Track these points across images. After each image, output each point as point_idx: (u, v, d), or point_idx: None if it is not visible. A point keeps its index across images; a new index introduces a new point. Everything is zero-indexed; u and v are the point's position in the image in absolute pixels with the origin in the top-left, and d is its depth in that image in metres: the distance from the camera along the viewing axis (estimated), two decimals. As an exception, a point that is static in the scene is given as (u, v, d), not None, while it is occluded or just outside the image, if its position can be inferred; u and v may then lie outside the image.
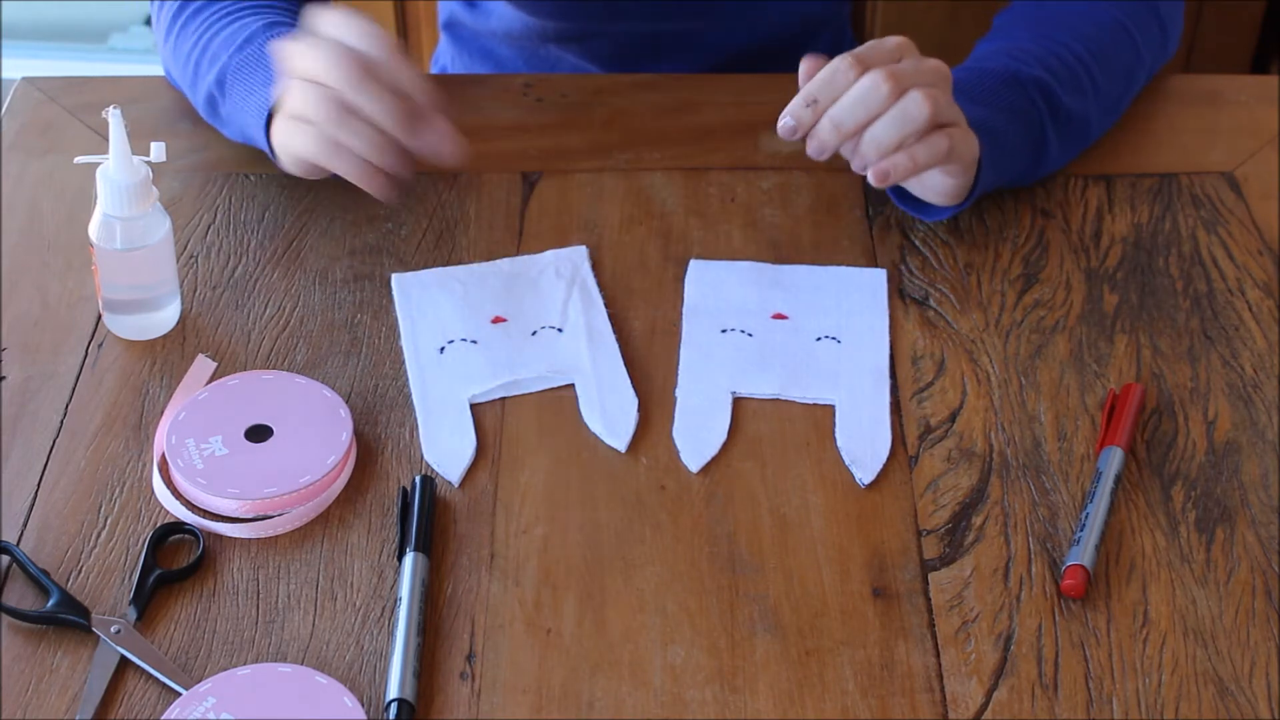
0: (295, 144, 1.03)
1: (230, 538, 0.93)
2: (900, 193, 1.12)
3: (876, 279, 1.10)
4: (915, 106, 0.99)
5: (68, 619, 0.88)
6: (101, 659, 0.86)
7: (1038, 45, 1.15)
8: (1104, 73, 1.16)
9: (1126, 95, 1.21)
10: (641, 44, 1.34)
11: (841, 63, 1.00)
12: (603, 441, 0.99)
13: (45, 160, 1.18)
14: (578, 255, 1.11)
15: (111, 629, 0.87)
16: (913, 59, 1.02)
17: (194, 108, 1.19)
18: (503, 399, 1.02)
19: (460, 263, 1.11)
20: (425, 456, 0.98)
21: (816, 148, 1.02)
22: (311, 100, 1.00)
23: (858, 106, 1.00)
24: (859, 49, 1.02)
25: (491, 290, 1.08)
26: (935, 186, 1.07)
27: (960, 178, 1.06)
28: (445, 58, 1.46)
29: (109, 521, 0.94)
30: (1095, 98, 1.16)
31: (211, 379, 1.02)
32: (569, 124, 1.23)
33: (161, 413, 1.00)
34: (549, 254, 1.11)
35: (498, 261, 1.10)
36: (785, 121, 1.01)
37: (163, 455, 0.96)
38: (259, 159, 1.18)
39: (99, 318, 1.06)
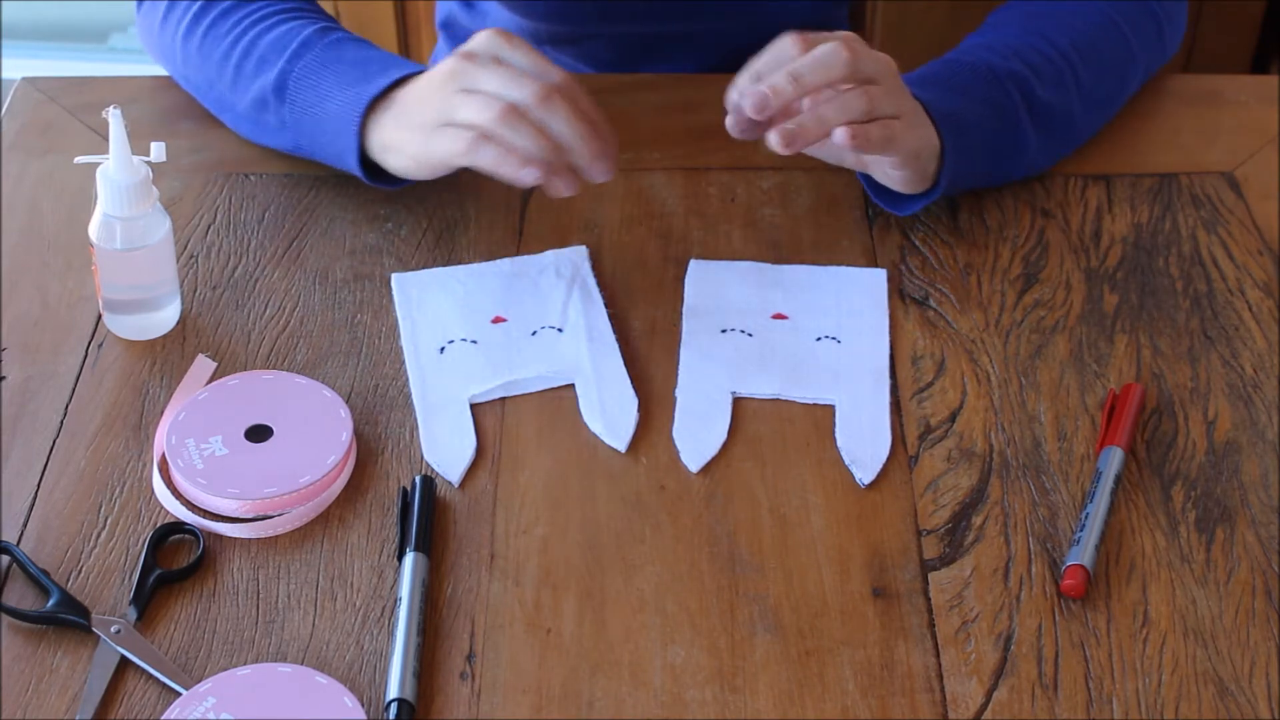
0: (440, 148, 1.03)
1: (230, 538, 0.93)
2: (873, 186, 1.12)
3: (876, 279, 1.10)
4: (854, 99, 1.01)
5: (68, 619, 0.88)
6: (101, 659, 0.86)
7: (1020, 39, 1.15)
8: (1090, 68, 1.16)
9: (1118, 93, 1.21)
10: (636, 46, 1.34)
11: (787, 38, 1.02)
12: (603, 441, 0.99)
13: (45, 160, 1.18)
14: (578, 255, 1.11)
15: (111, 629, 0.87)
16: (861, 49, 1.03)
17: (206, 108, 1.19)
18: (503, 399, 1.02)
19: (460, 263, 1.11)
20: (425, 456, 0.98)
21: (759, 101, 1.00)
22: (488, 109, 1.01)
23: (818, 67, 1.00)
24: (808, 34, 1.02)
25: (491, 290, 1.08)
26: (889, 175, 1.08)
27: (906, 169, 1.07)
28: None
29: (109, 521, 0.94)
30: (1079, 93, 1.15)
31: (211, 379, 1.02)
32: (569, 124, 1.23)
33: (161, 413, 1.00)
34: (549, 254, 1.11)
35: (498, 261, 1.10)
36: (731, 96, 1.02)
37: (163, 455, 0.96)
38: (259, 159, 1.18)
39: (99, 318, 1.06)
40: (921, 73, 1.12)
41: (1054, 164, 1.17)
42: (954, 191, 1.12)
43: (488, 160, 1.01)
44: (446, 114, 1.03)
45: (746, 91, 1.01)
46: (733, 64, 1.34)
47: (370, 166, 1.10)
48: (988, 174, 1.14)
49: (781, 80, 1.00)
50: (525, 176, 1.01)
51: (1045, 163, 1.17)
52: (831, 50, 1.01)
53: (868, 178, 1.12)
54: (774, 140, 1.00)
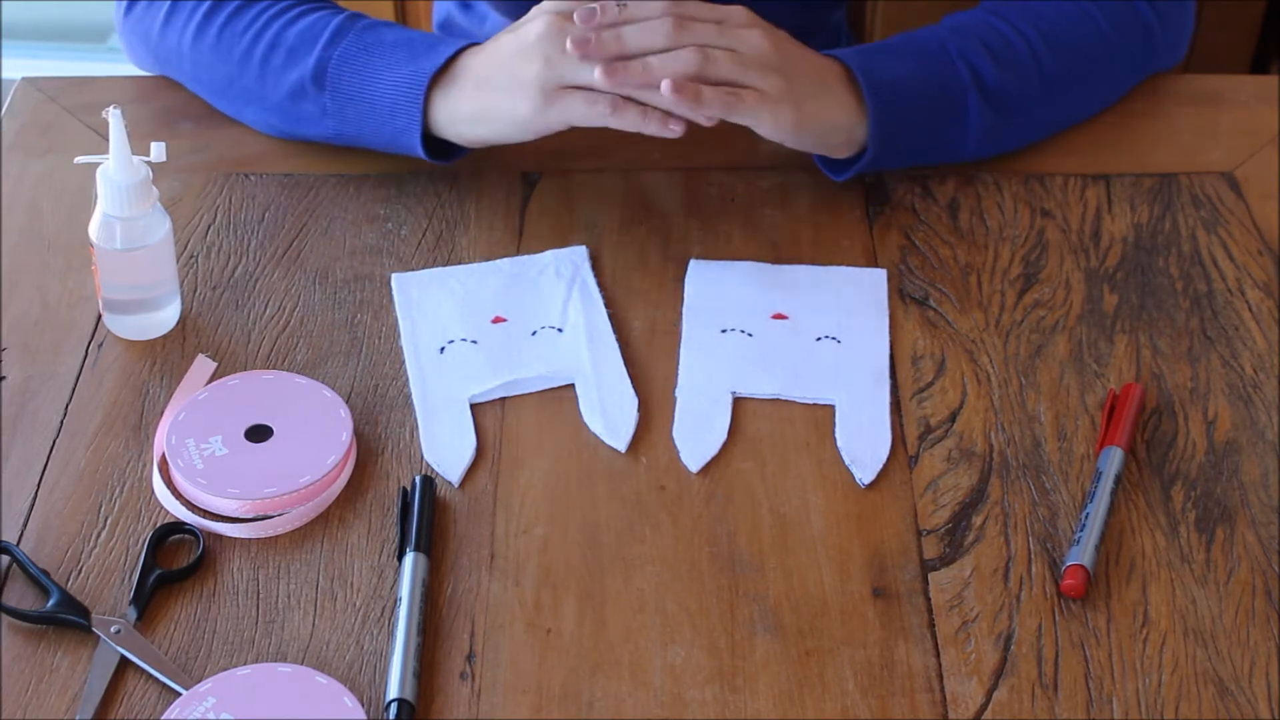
0: (568, 111, 1.05)
1: (230, 538, 0.93)
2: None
3: (876, 279, 1.10)
4: (687, 54, 1.03)
5: (68, 619, 0.88)
6: (101, 659, 0.86)
7: (984, 22, 1.16)
8: (1056, 58, 1.16)
9: (1092, 88, 1.20)
10: None
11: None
12: (603, 441, 0.99)
13: (45, 160, 1.18)
14: (578, 255, 1.11)
15: (111, 629, 0.87)
16: (740, 23, 1.06)
17: (218, 108, 1.19)
18: (503, 399, 1.02)
19: (460, 263, 1.11)
20: (425, 456, 0.98)
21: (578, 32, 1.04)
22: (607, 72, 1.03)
23: (640, 30, 1.04)
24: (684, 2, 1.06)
25: (491, 290, 1.08)
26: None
27: (799, 143, 1.09)
28: None
29: (109, 521, 0.94)
30: (1041, 80, 1.15)
31: (211, 379, 1.02)
32: (569, 124, 1.23)
33: (161, 413, 1.00)
34: (549, 254, 1.11)
35: (497, 261, 1.10)
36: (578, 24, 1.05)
37: (163, 455, 0.96)
38: (259, 159, 1.18)
39: (99, 318, 1.06)
40: (874, 44, 1.14)
41: (1012, 149, 1.18)
42: (889, 162, 1.12)
43: (631, 122, 1.04)
44: (559, 76, 1.04)
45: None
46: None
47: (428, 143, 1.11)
48: (929, 148, 1.15)
49: (608, 36, 1.04)
50: (672, 129, 1.04)
51: (1000, 147, 1.17)
52: (658, 20, 1.04)
53: None
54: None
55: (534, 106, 1.05)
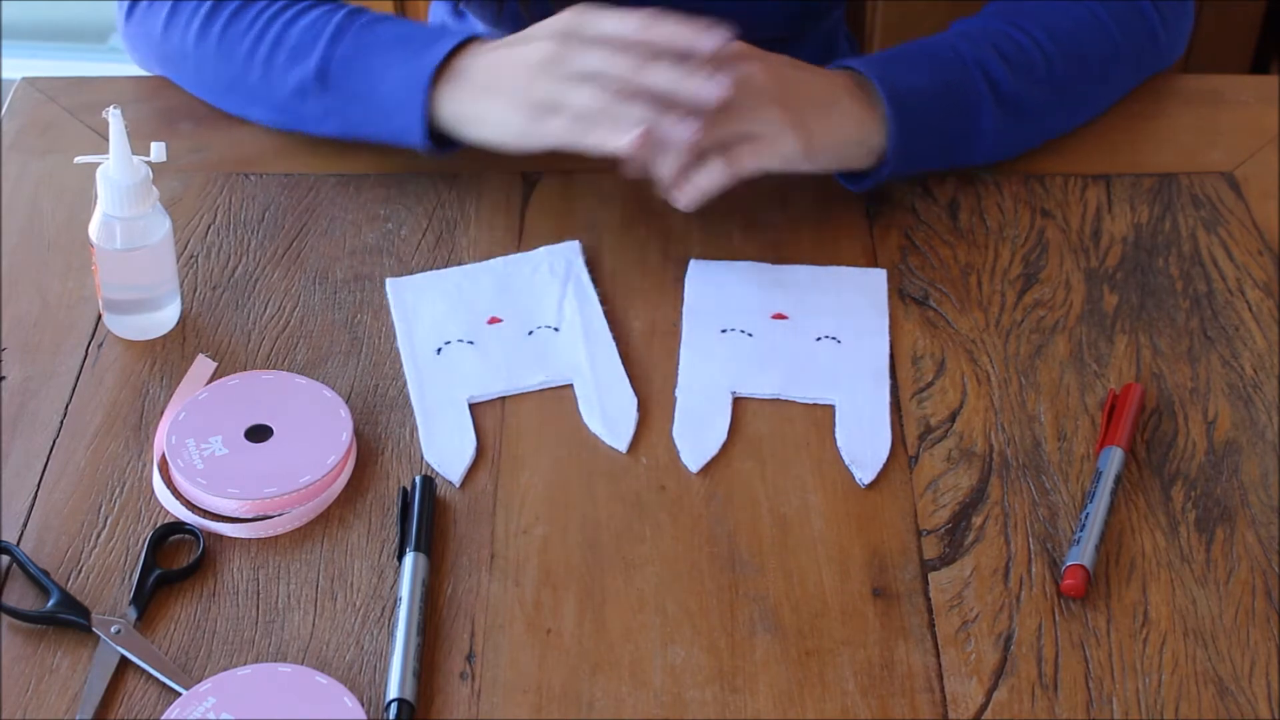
0: (550, 131, 1.05)
1: (230, 538, 0.93)
2: None
3: (876, 279, 1.10)
4: (673, 156, 1.05)
5: (68, 619, 0.88)
6: (101, 659, 0.86)
7: (998, 28, 1.15)
8: (1068, 63, 1.16)
9: (1100, 90, 1.20)
10: None
11: None
12: (603, 441, 0.99)
13: (45, 160, 1.18)
14: (570, 251, 1.11)
15: (111, 629, 0.87)
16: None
17: (222, 108, 1.19)
18: (502, 399, 1.02)
19: (461, 263, 1.10)
20: (425, 456, 0.98)
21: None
22: (597, 95, 1.03)
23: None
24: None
25: (486, 290, 1.08)
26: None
27: (798, 169, 1.08)
28: None
29: (109, 521, 0.94)
30: (1052, 85, 1.16)
31: (211, 379, 1.02)
32: (569, 124, 1.23)
33: (161, 413, 1.00)
34: (541, 250, 1.11)
35: (491, 260, 1.10)
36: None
37: (163, 455, 0.96)
38: (259, 159, 1.18)
39: (99, 318, 1.06)
40: (891, 51, 1.14)
41: (1021, 152, 1.18)
42: (906, 170, 1.12)
43: (598, 140, 1.04)
44: (553, 100, 1.05)
45: None
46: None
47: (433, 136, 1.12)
48: (944, 155, 1.15)
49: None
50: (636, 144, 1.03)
51: (1011, 151, 1.17)
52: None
53: None
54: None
55: (523, 124, 1.06)
